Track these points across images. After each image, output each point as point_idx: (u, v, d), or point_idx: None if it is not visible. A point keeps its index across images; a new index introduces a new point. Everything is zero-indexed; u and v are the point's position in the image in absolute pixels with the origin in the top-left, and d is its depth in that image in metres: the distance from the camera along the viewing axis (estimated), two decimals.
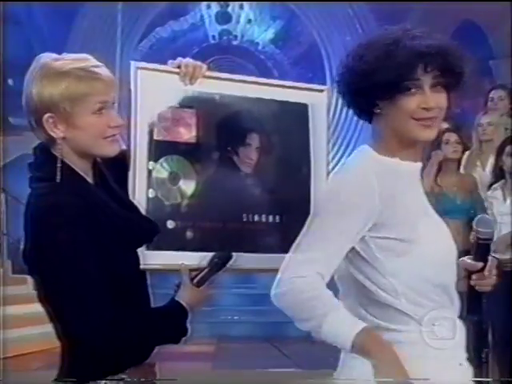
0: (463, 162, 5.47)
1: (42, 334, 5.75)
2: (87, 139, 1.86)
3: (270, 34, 12.31)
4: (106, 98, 1.85)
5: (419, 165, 1.95)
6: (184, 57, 2.21)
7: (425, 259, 1.85)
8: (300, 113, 2.33)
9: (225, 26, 12.10)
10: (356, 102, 1.92)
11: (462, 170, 5.43)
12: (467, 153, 5.48)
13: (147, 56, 10.67)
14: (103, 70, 1.87)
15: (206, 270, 2.06)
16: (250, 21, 12.18)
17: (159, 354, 1.99)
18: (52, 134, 1.84)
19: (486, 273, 1.90)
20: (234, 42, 12.21)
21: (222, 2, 11.99)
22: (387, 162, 1.89)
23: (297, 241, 1.87)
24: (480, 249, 1.92)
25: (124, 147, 2.03)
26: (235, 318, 8.52)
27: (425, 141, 1.89)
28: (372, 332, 1.75)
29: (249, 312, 8.58)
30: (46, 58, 1.87)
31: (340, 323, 1.75)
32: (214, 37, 12.14)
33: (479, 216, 1.96)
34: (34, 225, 1.80)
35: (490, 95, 5.91)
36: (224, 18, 12.05)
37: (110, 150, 1.90)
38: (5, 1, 8.40)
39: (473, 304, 1.88)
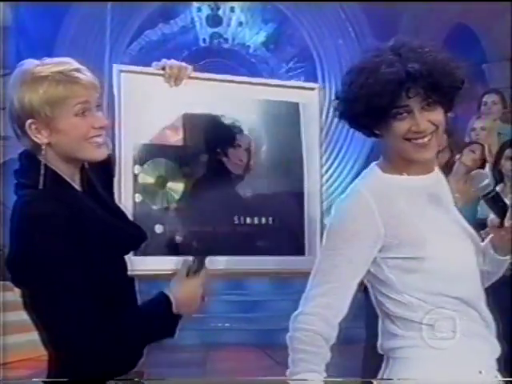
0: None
1: (29, 341, 5.72)
2: (71, 142, 1.85)
3: (261, 37, 12.31)
4: (86, 99, 1.84)
5: (431, 176, 1.97)
6: (168, 60, 2.21)
7: (435, 274, 1.88)
8: (291, 112, 2.33)
9: (215, 29, 12.10)
10: (355, 127, 1.97)
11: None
12: (457, 156, 5.49)
13: (137, 59, 10.65)
14: (83, 73, 1.86)
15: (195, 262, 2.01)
16: (241, 24, 12.18)
17: (149, 361, 1.98)
18: (36, 139, 1.83)
19: (506, 223, 1.88)
20: (225, 45, 12.20)
21: (212, 5, 11.98)
22: (390, 181, 1.93)
23: (312, 272, 1.93)
24: (490, 204, 1.89)
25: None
26: (226, 325, 8.50)
27: (423, 160, 1.92)
28: None
29: (240, 319, 8.56)
30: (28, 64, 1.87)
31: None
32: (204, 40, 12.14)
33: (471, 174, 1.93)
34: (18, 232, 1.79)
35: (484, 99, 5.92)
36: (215, 20, 12.05)
37: (96, 153, 1.88)
38: (4, 0, 8.38)
39: None
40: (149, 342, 1.91)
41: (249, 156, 2.28)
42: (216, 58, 11.36)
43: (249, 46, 12.30)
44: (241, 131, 2.27)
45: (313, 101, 2.36)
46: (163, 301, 1.90)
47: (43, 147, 1.84)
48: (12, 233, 1.80)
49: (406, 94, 1.83)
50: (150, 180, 2.14)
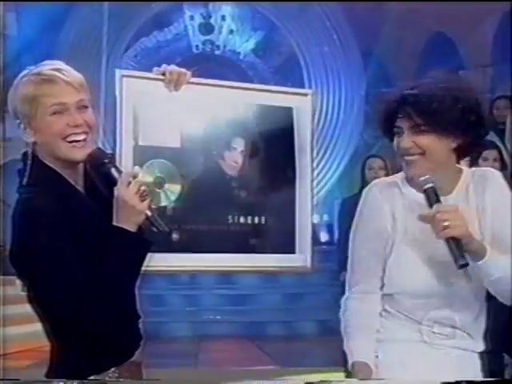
0: None
1: (30, 333, 5.71)
2: (48, 140, 1.83)
3: (251, 44, 12.33)
4: (61, 100, 1.82)
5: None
6: (168, 65, 2.21)
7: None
8: (285, 116, 2.34)
9: (207, 37, 12.10)
10: None
11: None
12: None
13: (132, 65, 10.64)
14: (62, 73, 1.83)
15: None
16: (231, 31, 12.19)
17: (144, 353, 1.97)
18: (25, 138, 1.84)
19: (436, 214, 1.83)
20: (217, 52, 12.21)
21: (204, 14, 11.98)
22: (397, 189, 2.01)
23: (348, 263, 2.05)
24: (426, 196, 1.89)
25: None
26: (217, 317, 8.50)
27: (414, 177, 1.95)
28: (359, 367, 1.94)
29: (230, 312, 8.56)
30: (25, 71, 1.87)
31: (350, 351, 1.98)
32: (197, 47, 12.14)
33: None
34: (18, 227, 1.79)
35: None
36: (207, 28, 12.05)
37: (73, 152, 1.85)
38: (5, 0, 8.34)
39: (453, 253, 1.83)
40: (129, 266, 1.83)
41: (244, 158, 2.29)
42: (208, 64, 11.35)
43: (239, 53, 12.32)
44: (237, 135, 2.28)
45: (306, 106, 2.37)
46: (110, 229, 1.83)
47: (31, 146, 1.84)
48: (13, 228, 1.79)
49: (397, 114, 1.92)
50: (149, 180, 2.14)
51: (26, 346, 6.49)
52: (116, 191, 1.81)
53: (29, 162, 1.87)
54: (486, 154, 4.96)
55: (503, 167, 4.76)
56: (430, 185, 1.87)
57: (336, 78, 11.61)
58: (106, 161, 1.86)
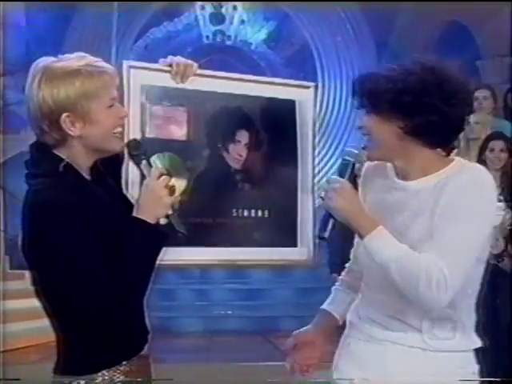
0: None
1: (38, 327, 5.74)
2: (102, 133, 1.86)
3: (262, 34, 12.28)
4: (114, 92, 1.87)
5: (405, 183, 1.99)
6: (175, 56, 2.22)
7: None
8: (287, 109, 2.35)
9: (218, 27, 12.07)
10: None
11: None
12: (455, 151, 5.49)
13: (142, 56, 10.63)
14: (105, 64, 1.88)
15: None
16: (243, 22, 12.16)
17: (154, 347, 1.99)
18: (70, 132, 1.84)
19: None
20: (228, 43, 12.18)
21: (215, 4, 11.95)
22: (377, 171, 2.10)
23: None
24: (341, 168, 1.96)
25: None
26: (228, 312, 8.52)
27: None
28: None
29: (242, 307, 8.58)
30: (45, 61, 1.86)
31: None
32: (207, 37, 12.11)
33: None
34: (29, 219, 1.80)
35: (475, 95, 5.94)
36: (218, 18, 12.02)
37: (119, 145, 1.91)
38: (4, 0, 8.38)
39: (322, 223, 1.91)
40: (148, 258, 1.86)
41: (248, 151, 2.30)
42: (219, 55, 11.34)
43: (250, 43, 12.27)
44: (241, 128, 2.29)
45: (308, 98, 2.38)
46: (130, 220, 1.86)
47: (72, 139, 1.85)
48: (25, 219, 1.81)
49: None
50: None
51: (33, 341, 6.52)
52: (145, 182, 1.87)
53: (38, 153, 1.88)
54: (492, 144, 4.97)
55: (511, 157, 4.76)
56: (347, 158, 1.95)
57: (350, 68, 11.55)
58: (136, 153, 1.89)
